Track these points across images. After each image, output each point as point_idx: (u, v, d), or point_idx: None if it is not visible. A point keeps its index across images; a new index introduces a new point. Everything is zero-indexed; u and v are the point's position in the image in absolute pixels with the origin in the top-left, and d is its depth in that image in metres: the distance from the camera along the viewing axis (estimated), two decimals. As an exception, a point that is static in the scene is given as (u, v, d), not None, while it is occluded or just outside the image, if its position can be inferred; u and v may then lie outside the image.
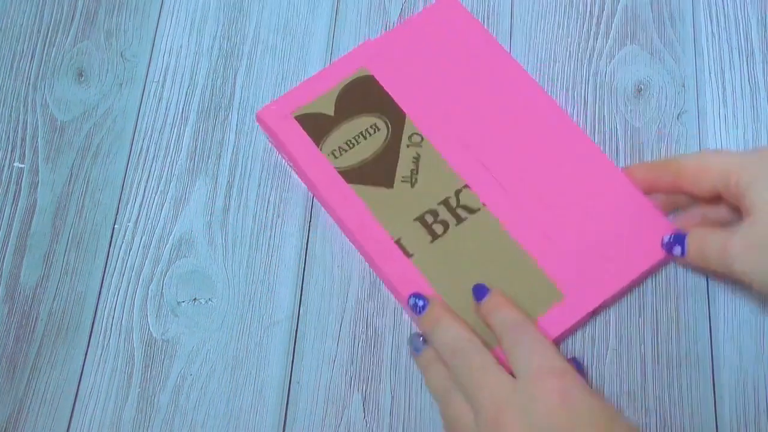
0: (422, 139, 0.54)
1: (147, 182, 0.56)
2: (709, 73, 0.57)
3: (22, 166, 0.56)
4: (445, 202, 0.52)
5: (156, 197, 0.55)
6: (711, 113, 0.56)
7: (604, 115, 0.56)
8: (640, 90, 0.57)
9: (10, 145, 0.57)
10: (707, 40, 0.58)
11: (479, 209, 0.52)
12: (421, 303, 0.49)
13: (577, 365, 0.48)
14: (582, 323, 0.51)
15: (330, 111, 0.55)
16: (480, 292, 0.49)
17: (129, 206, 0.55)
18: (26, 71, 0.59)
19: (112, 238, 0.54)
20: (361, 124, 0.55)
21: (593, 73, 0.58)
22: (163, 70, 0.59)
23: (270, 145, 0.56)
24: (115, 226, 0.54)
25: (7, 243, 0.54)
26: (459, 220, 0.52)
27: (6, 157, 0.56)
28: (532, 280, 0.50)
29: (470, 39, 0.57)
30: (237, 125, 0.57)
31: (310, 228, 0.54)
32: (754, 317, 0.51)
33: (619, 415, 0.44)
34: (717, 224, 0.49)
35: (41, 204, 0.55)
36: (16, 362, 0.51)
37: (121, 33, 0.60)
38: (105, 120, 0.57)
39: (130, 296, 0.53)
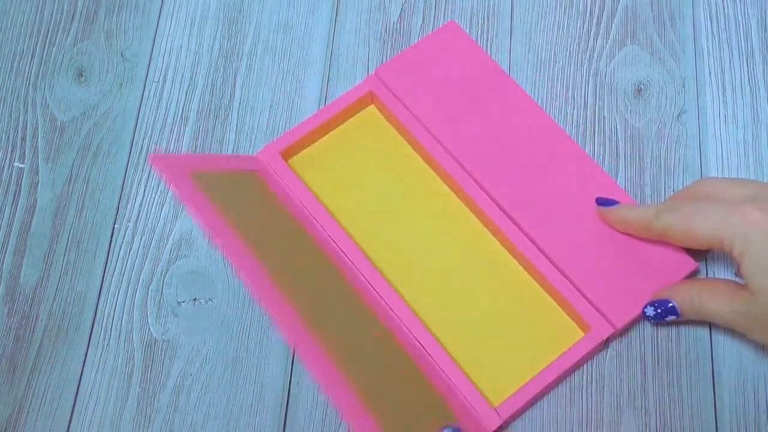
0: None
1: (147, 182, 0.56)
2: (709, 73, 0.57)
3: (22, 166, 0.56)
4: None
5: (156, 197, 0.55)
6: (711, 113, 0.56)
7: (604, 115, 0.56)
8: (640, 90, 0.57)
9: (10, 145, 0.57)
10: (707, 40, 0.58)
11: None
12: None
13: None
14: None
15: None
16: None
17: (129, 206, 0.55)
18: (26, 71, 0.59)
19: (112, 238, 0.54)
20: None
21: (593, 73, 0.58)
22: (163, 70, 0.59)
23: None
24: (115, 226, 0.54)
25: (7, 243, 0.54)
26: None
27: (6, 157, 0.56)
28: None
29: (475, 66, 0.56)
30: (237, 125, 0.57)
31: (310, 228, 0.54)
32: (754, 317, 0.51)
33: None
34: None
35: (41, 204, 0.55)
36: (16, 362, 0.51)
37: (121, 33, 0.60)
38: (105, 120, 0.57)
39: (130, 296, 0.53)
